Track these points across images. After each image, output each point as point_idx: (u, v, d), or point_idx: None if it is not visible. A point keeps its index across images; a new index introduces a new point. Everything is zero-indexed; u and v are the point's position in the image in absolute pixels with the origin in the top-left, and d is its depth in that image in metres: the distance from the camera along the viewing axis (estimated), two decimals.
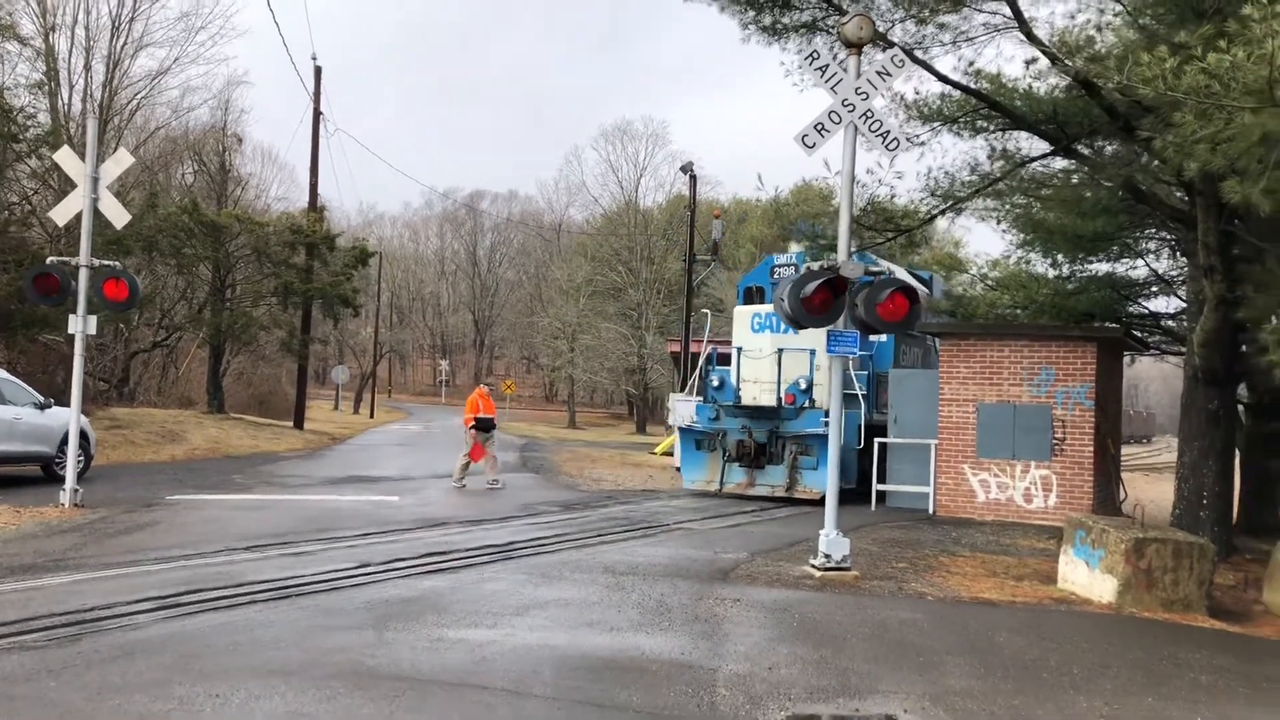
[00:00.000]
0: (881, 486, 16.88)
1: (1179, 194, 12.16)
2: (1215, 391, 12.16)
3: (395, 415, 59.62)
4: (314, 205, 34.90)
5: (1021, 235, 17.07)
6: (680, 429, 19.39)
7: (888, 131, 10.41)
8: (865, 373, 17.44)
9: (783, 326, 16.79)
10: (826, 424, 15.03)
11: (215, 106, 42.35)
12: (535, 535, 12.44)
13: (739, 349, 18.20)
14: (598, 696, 5.84)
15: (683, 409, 26.04)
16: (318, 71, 35.09)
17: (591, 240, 61.50)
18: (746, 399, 17.77)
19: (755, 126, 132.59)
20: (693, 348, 31.07)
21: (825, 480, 15.45)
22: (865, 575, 10.37)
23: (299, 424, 34.51)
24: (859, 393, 16.53)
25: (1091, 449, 15.18)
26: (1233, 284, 11.22)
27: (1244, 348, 12.27)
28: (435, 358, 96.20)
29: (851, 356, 10.89)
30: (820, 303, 10.06)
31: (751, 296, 19.51)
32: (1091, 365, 15.18)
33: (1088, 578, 10.18)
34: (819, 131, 10.37)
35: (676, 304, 55.66)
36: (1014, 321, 17.54)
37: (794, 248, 19.04)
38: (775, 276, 18.74)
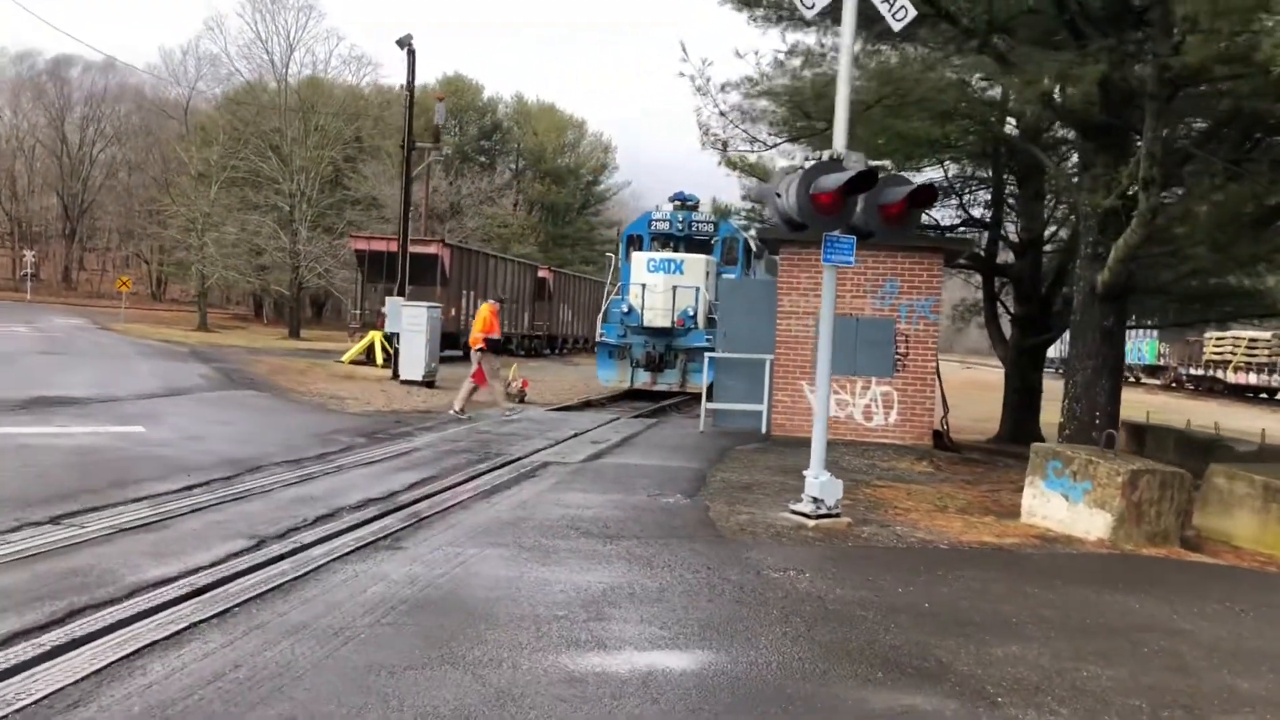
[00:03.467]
0: (712, 405, 15.71)
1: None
2: (1112, 307, 11.90)
3: None
4: None
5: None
6: (597, 342, 24.12)
7: None
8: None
9: (673, 268, 22.92)
10: (709, 340, 19.88)
11: None
12: (406, 482, 9.81)
13: (642, 285, 22.89)
14: None
15: (410, 315, 23.47)
16: None
17: (224, 119, 54.36)
18: (648, 322, 22.68)
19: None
20: (415, 248, 28.11)
21: (705, 380, 16.35)
22: (855, 521, 9.04)
23: None
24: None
25: (933, 365, 14.78)
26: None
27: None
28: (16, 248, 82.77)
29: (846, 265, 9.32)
30: (832, 202, 8.39)
31: (633, 243, 24.85)
32: (938, 277, 14.68)
33: (1067, 512, 9.48)
34: None
35: (334, 195, 51.08)
36: None
37: (666, 206, 24.91)
38: (653, 228, 24.69)
